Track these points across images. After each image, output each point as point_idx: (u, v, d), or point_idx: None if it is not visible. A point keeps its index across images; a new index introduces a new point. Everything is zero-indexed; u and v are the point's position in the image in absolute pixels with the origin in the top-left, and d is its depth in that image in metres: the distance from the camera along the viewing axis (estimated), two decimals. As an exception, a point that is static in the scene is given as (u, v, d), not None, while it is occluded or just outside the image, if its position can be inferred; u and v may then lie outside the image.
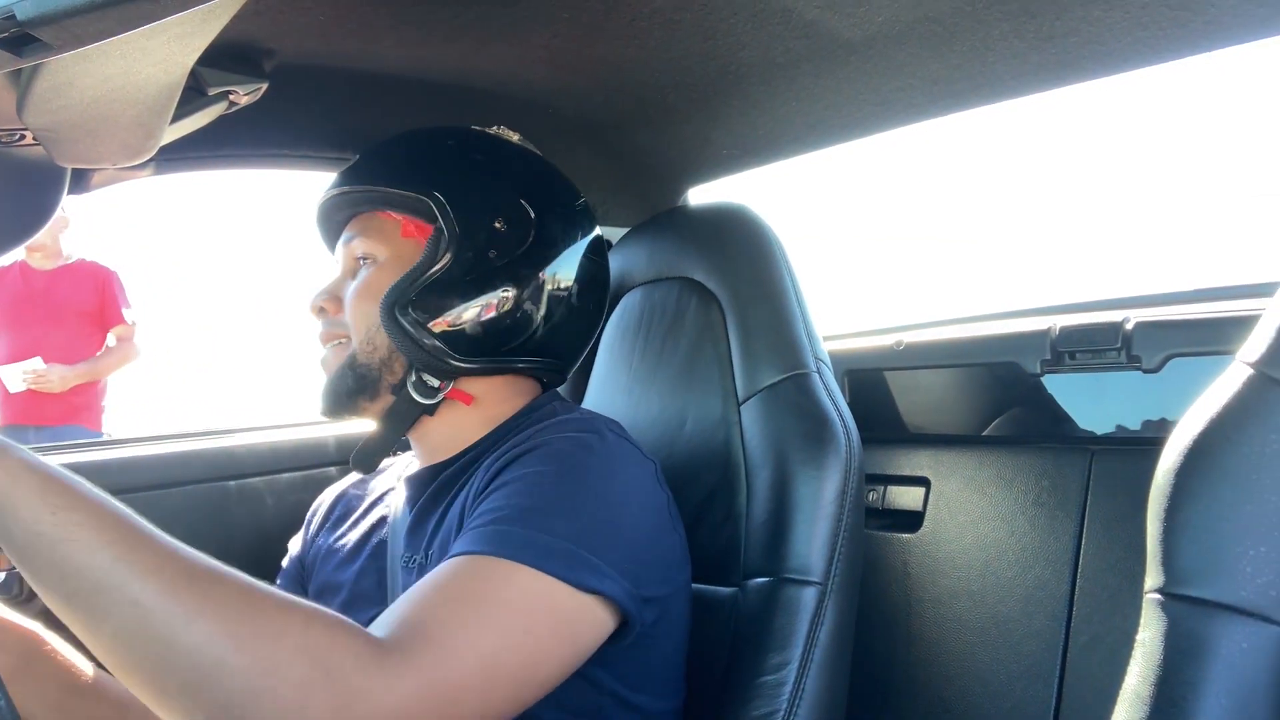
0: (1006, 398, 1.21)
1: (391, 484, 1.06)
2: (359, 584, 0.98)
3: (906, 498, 1.26)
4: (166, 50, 0.61)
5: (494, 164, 0.96)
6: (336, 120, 1.11)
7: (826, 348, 1.07)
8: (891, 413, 1.29)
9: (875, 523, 1.25)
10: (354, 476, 1.11)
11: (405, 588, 0.89)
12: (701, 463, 1.04)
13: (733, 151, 1.23)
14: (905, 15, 0.87)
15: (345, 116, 1.11)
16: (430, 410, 0.94)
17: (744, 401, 1.04)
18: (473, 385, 0.95)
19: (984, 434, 1.23)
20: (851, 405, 1.01)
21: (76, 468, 1.16)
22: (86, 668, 0.89)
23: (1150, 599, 0.57)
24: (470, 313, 0.91)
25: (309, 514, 1.10)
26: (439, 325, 0.90)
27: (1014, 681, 1.09)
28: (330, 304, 0.96)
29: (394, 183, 0.92)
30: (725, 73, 1.02)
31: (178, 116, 0.81)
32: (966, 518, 1.18)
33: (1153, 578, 0.57)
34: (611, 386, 1.17)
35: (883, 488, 1.29)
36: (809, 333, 1.05)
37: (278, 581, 1.08)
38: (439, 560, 0.84)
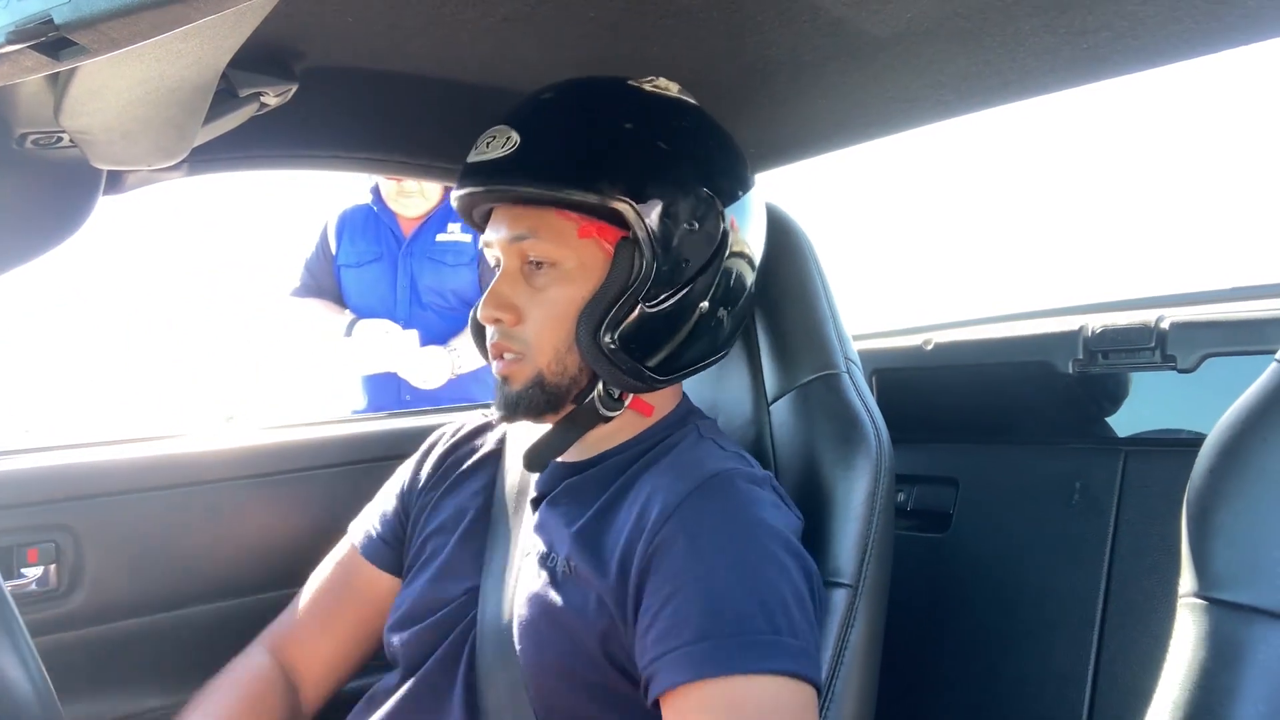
0: (1038, 398, 1.19)
1: (493, 446, 1.04)
2: (455, 556, 0.96)
3: (936, 498, 1.25)
4: (199, 53, 0.61)
5: (680, 151, 0.87)
6: (366, 120, 1.12)
7: (856, 348, 1.06)
8: (921, 412, 1.28)
9: (904, 523, 1.24)
10: (456, 429, 1.09)
11: (541, 584, 0.87)
12: (728, 462, 1.04)
13: (760, 150, 1.22)
14: (934, 11, 0.87)
15: (374, 117, 1.11)
16: (609, 419, 0.91)
17: (773, 401, 1.04)
18: (653, 395, 0.93)
19: (1014, 434, 1.22)
20: (881, 405, 1.01)
21: (122, 463, 1.18)
22: None
23: (1185, 603, 0.56)
24: (670, 329, 0.87)
25: (419, 458, 1.08)
26: (639, 346, 0.86)
27: (1045, 685, 1.08)
28: (509, 314, 0.88)
29: (582, 188, 0.83)
30: (752, 71, 1.01)
31: (210, 118, 0.82)
32: (996, 519, 1.17)
33: (1187, 581, 0.56)
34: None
35: (912, 488, 1.28)
36: (839, 333, 1.04)
37: (374, 532, 1.05)
38: (578, 567, 0.85)
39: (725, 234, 0.88)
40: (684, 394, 0.99)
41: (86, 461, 1.17)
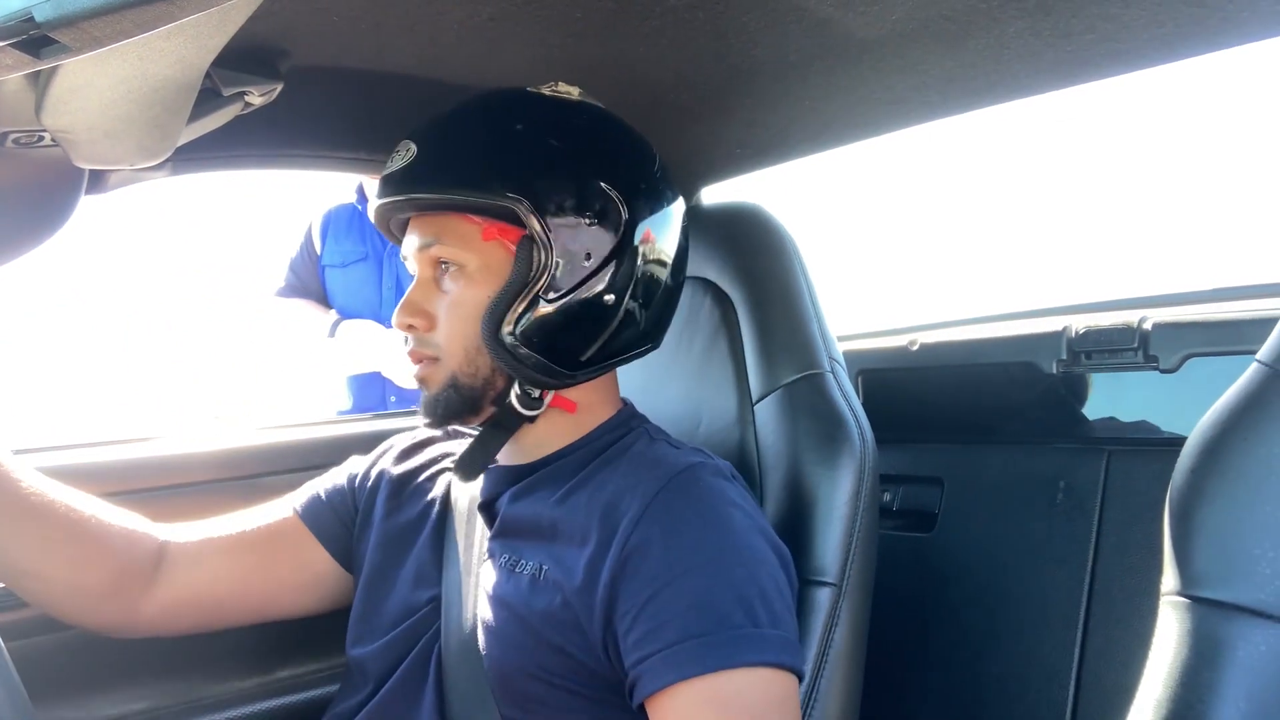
0: (1022, 398, 1.20)
1: (446, 455, 1.03)
2: (418, 564, 0.96)
3: (921, 498, 1.25)
4: (183, 51, 0.61)
5: (573, 147, 0.88)
6: (351, 120, 1.12)
7: (840, 348, 1.07)
8: (906, 412, 1.29)
9: (889, 523, 1.24)
10: (413, 437, 1.09)
11: (504, 588, 0.87)
12: (715, 462, 1.04)
13: (745, 151, 1.23)
14: (919, 13, 0.87)
15: (360, 116, 1.11)
16: (532, 419, 0.92)
17: (758, 401, 1.04)
18: (574, 392, 0.93)
19: (999, 434, 1.23)
20: (865, 405, 1.01)
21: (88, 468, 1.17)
22: (33, 484, 0.90)
23: (1167, 601, 0.56)
24: (574, 323, 0.87)
25: (372, 460, 1.07)
26: (543, 341, 0.87)
27: (1029, 683, 1.08)
28: (421, 320, 0.90)
29: (473, 189, 0.86)
30: (738, 71, 1.01)
31: (194, 117, 0.82)
32: (981, 518, 1.18)
33: (1169, 580, 0.57)
34: (627, 385, 1.17)
35: (897, 488, 1.29)
36: (823, 333, 1.05)
37: (320, 498, 1.05)
38: (538, 569, 0.85)
39: (628, 227, 0.88)
40: (624, 400, 0.99)
41: (69, 464, 1.16)
